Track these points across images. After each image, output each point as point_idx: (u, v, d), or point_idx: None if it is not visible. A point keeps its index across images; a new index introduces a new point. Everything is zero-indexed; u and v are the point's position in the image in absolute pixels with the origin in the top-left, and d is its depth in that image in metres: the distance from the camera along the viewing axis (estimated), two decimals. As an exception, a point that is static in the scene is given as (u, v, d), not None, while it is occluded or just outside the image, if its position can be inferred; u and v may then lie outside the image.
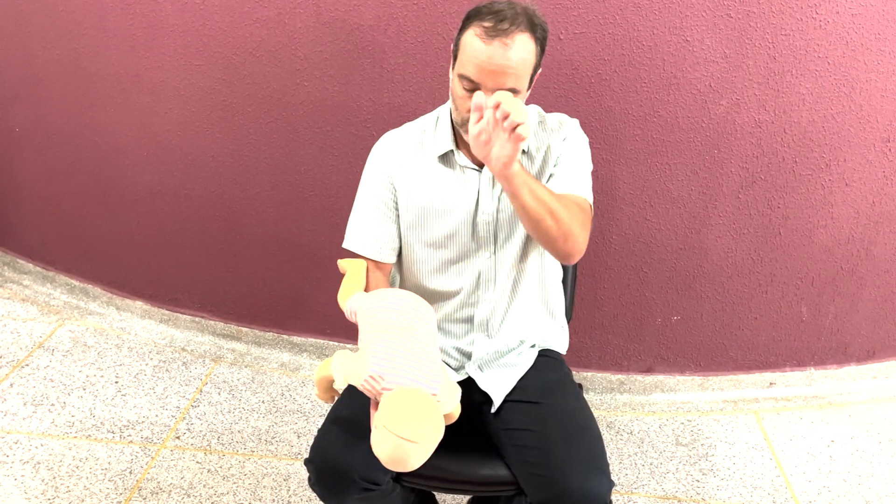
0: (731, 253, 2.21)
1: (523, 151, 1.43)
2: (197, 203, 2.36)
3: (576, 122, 1.47)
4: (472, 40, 1.26)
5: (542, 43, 1.31)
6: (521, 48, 1.25)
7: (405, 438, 1.05)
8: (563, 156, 1.42)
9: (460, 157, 1.43)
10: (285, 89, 2.13)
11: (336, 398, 1.28)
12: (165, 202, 2.40)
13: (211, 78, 2.17)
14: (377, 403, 1.12)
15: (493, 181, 1.42)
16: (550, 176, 1.42)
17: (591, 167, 1.47)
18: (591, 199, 1.42)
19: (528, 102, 1.50)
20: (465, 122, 1.31)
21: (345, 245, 1.52)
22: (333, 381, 1.20)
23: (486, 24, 1.24)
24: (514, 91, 1.27)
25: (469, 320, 1.49)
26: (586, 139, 1.47)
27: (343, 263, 1.50)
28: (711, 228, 2.17)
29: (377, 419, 1.09)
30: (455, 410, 1.21)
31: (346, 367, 1.17)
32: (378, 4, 1.97)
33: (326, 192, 2.24)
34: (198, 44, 2.14)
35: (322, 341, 2.46)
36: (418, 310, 1.27)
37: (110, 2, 2.17)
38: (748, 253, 2.21)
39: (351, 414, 1.36)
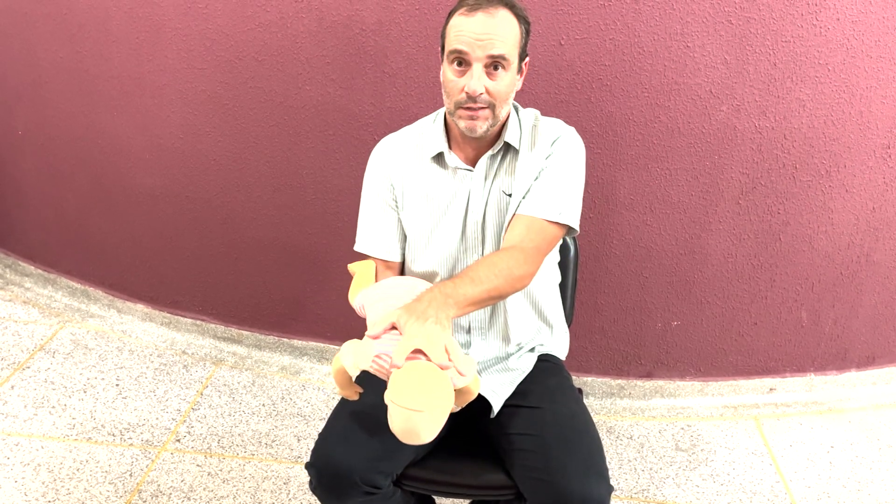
0: (732, 258, 2.21)
1: (515, 150, 1.43)
2: (198, 206, 2.37)
3: (571, 130, 1.45)
4: (457, 20, 1.31)
5: (525, 26, 1.35)
6: (504, 19, 1.30)
7: (411, 409, 1.07)
8: (546, 169, 1.41)
9: (451, 158, 1.43)
10: (287, 93, 2.14)
11: (359, 393, 1.28)
12: (167, 205, 2.40)
13: (213, 81, 2.18)
14: None
15: (485, 181, 1.43)
16: (535, 178, 1.41)
17: (579, 177, 1.43)
18: (566, 216, 1.39)
19: (525, 105, 1.51)
20: (458, 107, 1.33)
21: (355, 248, 1.54)
22: (348, 372, 1.21)
23: (469, 3, 1.30)
24: (504, 60, 1.29)
25: (464, 324, 1.49)
26: (581, 148, 1.44)
27: (352, 266, 1.52)
28: (712, 233, 2.17)
29: (386, 395, 1.10)
30: (473, 384, 1.19)
31: (355, 353, 1.18)
32: (380, 9, 1.98)
33: (328, 195, 2.25)
34: (200, 47, 2.15)
35: (323, 345, 2.47)
36: (422, 289, 1.29)
37: (113, 5, 2.18)
38: (748, 258, 2.21)
39: (352, 418, 1.36)
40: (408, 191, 1.47)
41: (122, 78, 2.27)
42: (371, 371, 1.17)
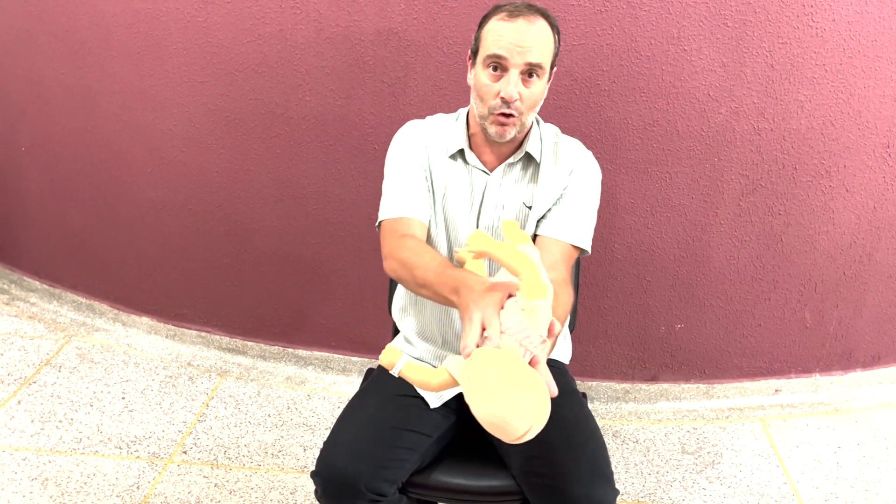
0: (734, 260, 2.21)
1: (536, 163, 1.44)
2: (201, 218, 2.38)
3: (589, 154, 1.49)
4: (496, 25, 1.32)
5: (557, 36, 1.37)
6: (542, 28, 1.32)
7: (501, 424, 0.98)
8: (573, 194, 1.44)
9: (471, 157, 1.44)
10: (288, 104, 2.15)
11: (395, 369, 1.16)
12: (170, 218, 2.41)
13: (214, 94, 2.19)
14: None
15: (500, 187, 1.44)
16: (555, 203, 1.44)
17: (596, 204, 1.47)
18: (586, 242, 1.43)
19: (546, 119, 1.52)
20: (491, 112, 1.34)
21: (386, 215, 1.41)
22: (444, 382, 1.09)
23: (508, 9, 1.32)
24: (540, 68, 1.32)
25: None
26: (598, 174, 1.49)
27: (464, 253, 1.35)
28: (713, 236, 2.18)
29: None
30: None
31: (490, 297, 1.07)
32: (378, 19, 2.00)
33: (329, 205, 2.26)
34: (201, 61, 2.16)
35: (327, 354, 2.47)
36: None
37: (114, 21, 2.20)
38: (750, 260, 2.21)
39: (357, 425, 1.36)
40: (432, 176, 1.46)
41: (124, 93, 2.29)
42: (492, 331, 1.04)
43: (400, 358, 1.12)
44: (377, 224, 1.45)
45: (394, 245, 1.36)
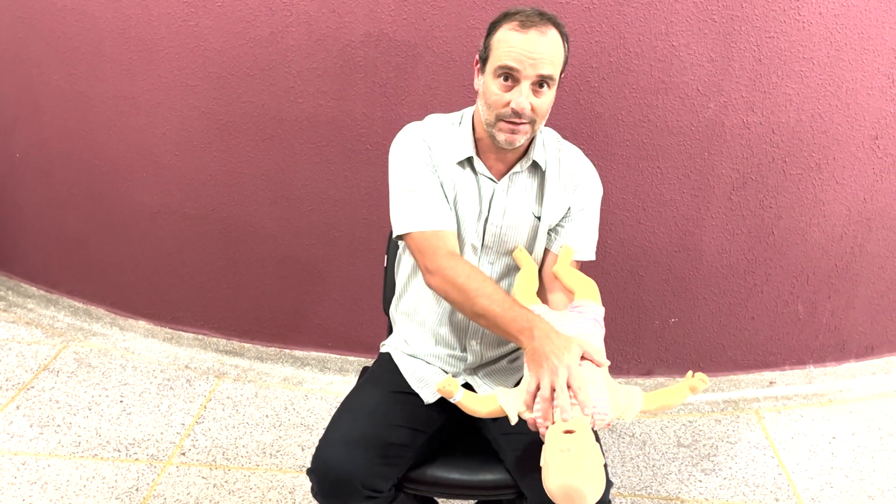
0: (726, 254, 2.23)
1: (542, 172, 1.46)
2: (196, 221, 2.39)
3: (591, 166, 1.52)
4: (508, 34, 1.31)
5: (567, 44, 1.37)
6: (554, 39, 1.31)
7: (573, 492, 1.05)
8: (573, 214, 1.48)
9: (479, 165, 1.44)
10: (280, 106, 2.16)
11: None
12: (165, 222, 2.42)
13: (206, 98, 2.20)
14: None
15: (507, 194, 1.45)
16: (564, 217, 1.48)
17: (598, 217, 1.53)
18: (592, 254, 1.53)
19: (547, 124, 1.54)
20: (499, 120, 1.34)
21: (422, 227, 1.38)
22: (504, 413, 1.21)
23: (520, 19, 1.31)
24: (552, 79, 1.32)
25: (464, 327, 1.51)
26: (600, 189, 1.53)
27: (519, 255, 1.45)
28: (705, 230, 2.19)
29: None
30: (651, 404, 1.25)
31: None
32: (368, 21, 2.01)
33: (323, 206, 2.27)
34: (192, 65, 2.17)
35: (324, 354, 2.48)
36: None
37: (106, 27, 2.21)
38: (743, 253, 2.23)
39: (352, 422, 1.37)
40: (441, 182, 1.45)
41: (117, 98, 2.30)
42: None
43: (459, 389, 1.22)
44: (399, 234, 1.42)
45: (443, 264, 1.35)
